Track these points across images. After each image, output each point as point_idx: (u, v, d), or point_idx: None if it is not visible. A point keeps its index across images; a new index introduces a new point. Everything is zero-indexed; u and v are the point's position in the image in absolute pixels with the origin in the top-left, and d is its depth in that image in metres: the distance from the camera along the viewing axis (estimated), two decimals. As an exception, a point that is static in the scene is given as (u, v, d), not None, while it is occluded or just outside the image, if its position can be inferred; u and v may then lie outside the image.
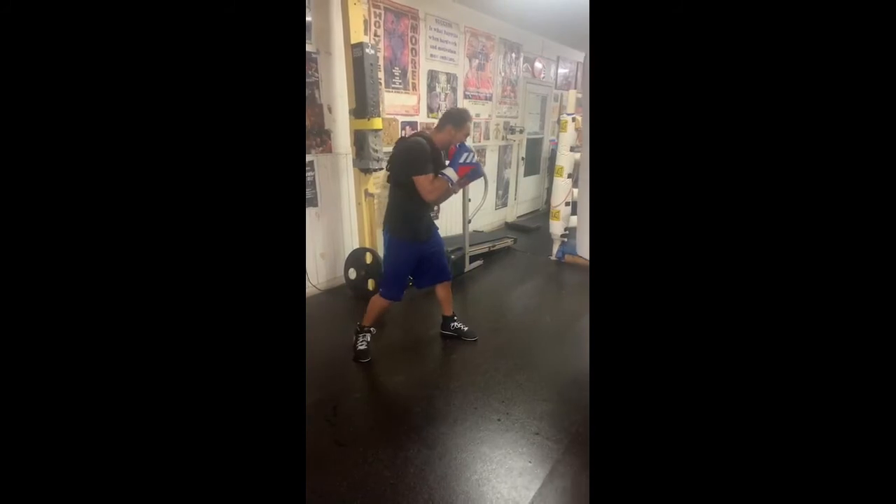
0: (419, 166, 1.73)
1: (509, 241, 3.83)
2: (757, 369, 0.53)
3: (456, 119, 1.84)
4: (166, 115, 0.54)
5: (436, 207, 2.40)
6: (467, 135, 1.87)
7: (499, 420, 1.62)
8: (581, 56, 5.39)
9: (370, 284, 2.69)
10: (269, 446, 0.58)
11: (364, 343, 2.02)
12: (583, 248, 1.97)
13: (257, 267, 0.58)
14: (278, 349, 0.59)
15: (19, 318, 0.52)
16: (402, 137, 2.01)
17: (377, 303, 1.99)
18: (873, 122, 0.48)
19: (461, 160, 1.74)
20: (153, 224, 0.55)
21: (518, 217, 5.04)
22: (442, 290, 2.16)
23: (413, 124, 3.26)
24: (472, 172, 1.82)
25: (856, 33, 0.48)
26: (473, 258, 3.32)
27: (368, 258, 2.69)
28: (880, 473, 0.50)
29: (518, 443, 1.50)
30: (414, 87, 3.22)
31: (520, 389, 1.81)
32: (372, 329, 2.04)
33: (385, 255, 1.94)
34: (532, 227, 4.54)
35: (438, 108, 3.49)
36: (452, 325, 2.24)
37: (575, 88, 4.59)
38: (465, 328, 2.24)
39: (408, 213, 1.85)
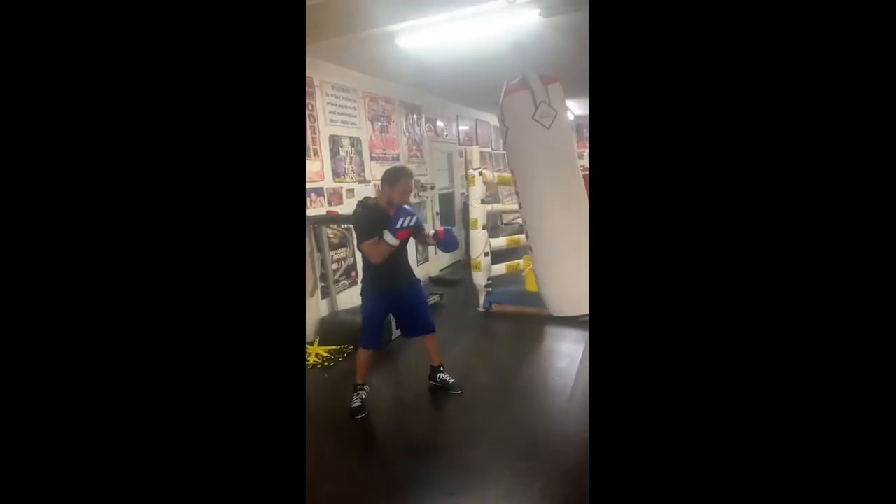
0: (362, 235, 1.84)
1: (437, 298, 3.70)
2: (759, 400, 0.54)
3: (388, 178, 1.87)
4: (159, 128, 0.55)
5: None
6: (406, 192, 1.86)
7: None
8: (477, 114, 5.78)
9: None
10: (271, 450, 0.59)
11: (358, 400, 2.01)
12: (559, 304, 1.69)
13: (259, 274, 0.60)
14: (279, 354, 0.60)
15: (20, 320, 0.51)
16: (359, 202, 2.00)
17: (360, 355, 2.04)
18: (872, 123, 0.47)
19: (398, 225, 1.76)
20: (159, 233, 0.56)
21: (441, 270, 4.98)
22: (428, 342, 2.17)
23: (318, 190, 3.09)
24: (443, 242, 1.95)
25: (855, 33, 0.47)
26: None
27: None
28: (880, 474, 0.50)
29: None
30: (316, 153, 3.09)
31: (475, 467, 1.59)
32: (366, 386, 2.05)
33: (361, 308, 2.02)
34: (456, 280, 4.49)
35: (344, 171, 3.38)
36: (438, 376, 2.22)
37: (477, 144, 4.83)
38: (451, 381, 2.19)
39: (371, 268, 1.91)
